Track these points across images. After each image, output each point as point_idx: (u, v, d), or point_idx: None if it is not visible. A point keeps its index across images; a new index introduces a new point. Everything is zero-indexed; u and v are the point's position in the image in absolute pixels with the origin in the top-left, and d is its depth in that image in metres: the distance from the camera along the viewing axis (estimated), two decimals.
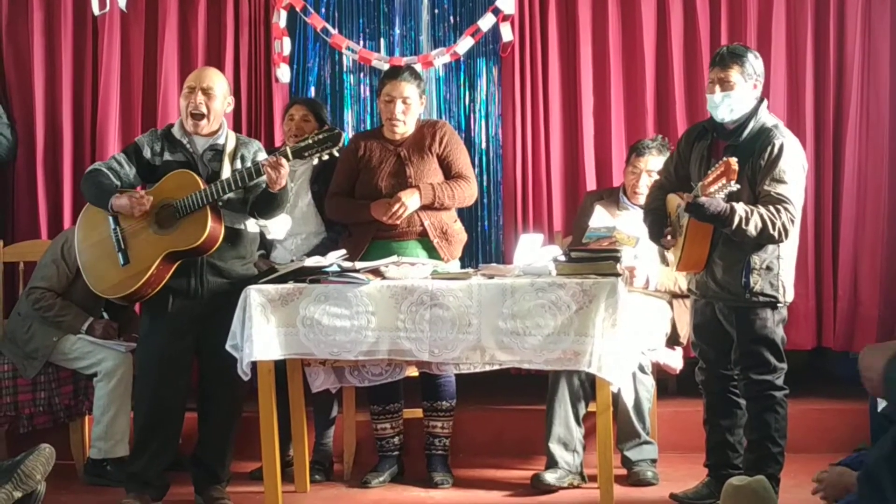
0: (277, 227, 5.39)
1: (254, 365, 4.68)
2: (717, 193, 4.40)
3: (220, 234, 4.88)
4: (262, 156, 5.14)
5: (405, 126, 5.43)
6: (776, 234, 4.51)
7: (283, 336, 4.66)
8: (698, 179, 4.61)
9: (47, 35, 6.64)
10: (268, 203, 5.00)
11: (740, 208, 4.47)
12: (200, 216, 4.83)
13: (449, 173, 5.46)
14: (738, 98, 4.68)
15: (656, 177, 5.48)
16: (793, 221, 4.54)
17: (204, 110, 5.02)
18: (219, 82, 5.12)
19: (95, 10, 6.42)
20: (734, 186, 4.36)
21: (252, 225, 5.17)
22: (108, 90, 6.58)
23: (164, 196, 4.91)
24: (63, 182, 6.56)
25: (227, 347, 4.68)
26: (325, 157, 4.87)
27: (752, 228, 4.47)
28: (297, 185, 5.66)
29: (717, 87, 4.69)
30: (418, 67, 6.17)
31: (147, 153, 5.05)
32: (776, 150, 4.58)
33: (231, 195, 4.91)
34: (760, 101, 4.77)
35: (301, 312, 4.63)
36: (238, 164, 5.05)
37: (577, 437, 5.32)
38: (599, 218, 5.57)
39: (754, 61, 4.74)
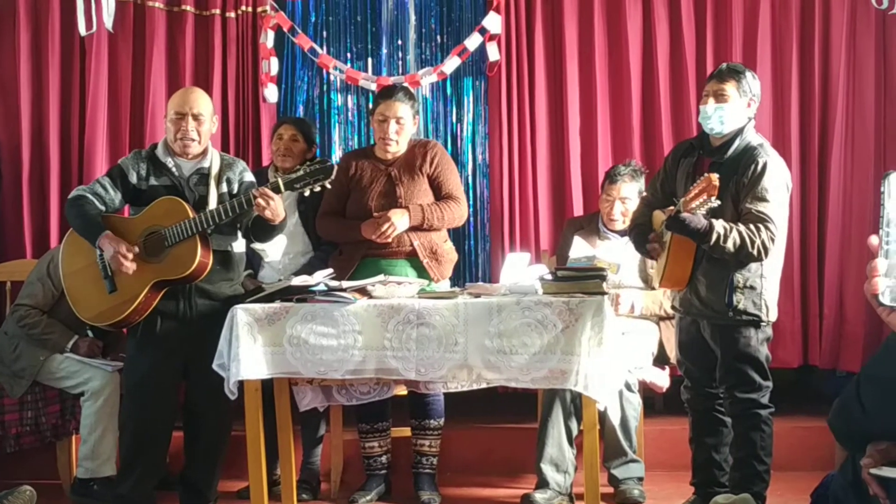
0: (274, 249, 5.42)
1: (241, 384, 4.68)
2: (699, 209, 4.42)
3: (208, 263, 4.89)
4: (248, 176, 5.16)
5: (398, 146, 5.44)
6: (755, 253, 4.52)
7: (270, 355, 4.64)
8: (683, 196, 4.61)
9: (34, 55, 6.63)
10: (267, 230, 5.02)
11: (719, 225, 4.49)
12: (189, 246, 4.84)
13: (439, 194, 5.46)
14: (730, 111, 4.70)
15: (630, 204, 5.53)
16: (773, 240, 4.55)
17: (195, 136, 5.04)
18: (206, 105, 5.14)
19: (82, 30, 6.42)
20: (715, 202, 4.38)
21: (239, 246, 5.18)
22: (96, 110, 6.57)
23: (152, 223, 4.90)
24: (50, 202, 6.55)
25: (214, 367, 4.65)
26: (317, 189, 4.87)
27: (731, 245, 4.49)
28: (286, 205, 5.67)
29: (712, 99, 4.72)
30: None
31: (133, 178, 5.05)
32: (759, 168, 4.60)
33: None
34: (748, 120, 4.80)
35: (288, 331, 4.62)
36: (224, 187, 5.07)
37: (569, 458, 5.31)
38: (579, 249, 5.60)
39: (752, 80, 4.78)
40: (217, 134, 5.34)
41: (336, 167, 4.87)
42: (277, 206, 4.80)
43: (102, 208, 4.99)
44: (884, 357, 2.48)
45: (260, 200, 4.74)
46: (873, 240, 1.76)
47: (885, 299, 1.74)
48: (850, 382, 2.67)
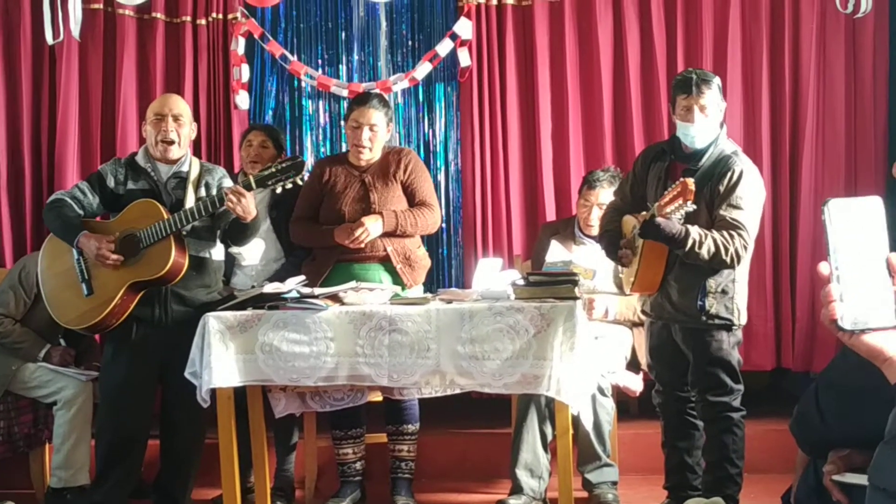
0: (251, 253, 5.41)
1: (213, 392, 4.67)
2: (674, 214, 4.42)
3: (184, 264, 4.88)
4: (227, 182, 5.17)
5: (371, 153, 5.43)
6: (728, 260, 4.53)
7: (242, 363, 4.63)
8: (655, 200, 4.61)
9: (5, 63, 6.61)
10: (240, 231, 5.02)
11: (695, 231, 4.49)
12: (164, 246, 4.83)
13: (413, 201, 5.45)
14: (712, 123, 4.72)
15: None
16: (746, 248, 4.56)
17: (174, 137, 5.06)
18: (186, 109, 5.19)
19: (49, 38, 6.36)
20: (690, 207, 4.37)
21: (217, 253, 5.18)
22: (67, 118, 6.54)
23: (128, 226, 4.90)
24: (25, 210, 6.51)
25: (186, 374, 4.63)
26: (289, 186, 4.87)
27: (706, 252, 4.49)
28: (258, 209, 5.66)
29: (698, 114, 4.67)
30: None
31: (111, 182, 5.06)
32: (735, 176, 4.60)
33: (196, 224, 4.93)
34: (720, 126, 4.81)
35: (260, 339, 4.61)
36: (202, 192, 5.07)
37: (544, 464, 5.29)
38: (555, 253, 5.60)
39: (719, 83, 4.79)
40: (190, 141, 5.34)
41: (306, 164, 4.88)
42: (248, 204, 4.80)
43: (81, 212, 5.00)
44: (840, 364, 2.50)
45: (231, 197, 4.75)
46: (823, 268, 1.77)
47: (845, 324, 1.75)
48: (808, 389, 2.68)
